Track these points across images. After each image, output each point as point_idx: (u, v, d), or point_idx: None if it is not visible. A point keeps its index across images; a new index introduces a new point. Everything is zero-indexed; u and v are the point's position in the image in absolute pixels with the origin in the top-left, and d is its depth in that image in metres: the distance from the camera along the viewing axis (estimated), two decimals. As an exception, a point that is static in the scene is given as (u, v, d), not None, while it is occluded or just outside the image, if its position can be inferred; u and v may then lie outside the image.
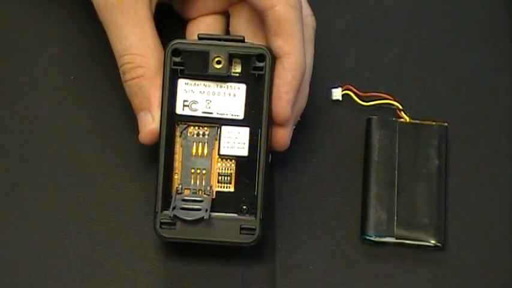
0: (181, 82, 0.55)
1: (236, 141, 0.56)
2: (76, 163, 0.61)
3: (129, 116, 0.58)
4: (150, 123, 0.56)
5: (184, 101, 0.55)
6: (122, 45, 0.56)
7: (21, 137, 0.61)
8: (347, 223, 0.60)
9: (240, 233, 0.55)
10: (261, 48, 0.55)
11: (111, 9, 0.56)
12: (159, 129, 0.55)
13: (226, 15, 0.61)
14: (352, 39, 0.65)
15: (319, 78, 0.61)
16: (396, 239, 0.58)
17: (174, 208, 0.55)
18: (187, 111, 0.56)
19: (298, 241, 0.59)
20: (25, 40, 0.64)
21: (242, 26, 0.59)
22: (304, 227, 0.60)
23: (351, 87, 0.62)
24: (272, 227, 0.59)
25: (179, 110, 0.55)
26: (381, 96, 0.62)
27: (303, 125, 0.61)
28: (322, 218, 0.60)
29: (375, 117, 0.61)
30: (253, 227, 0.55)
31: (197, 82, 0.55)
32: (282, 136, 0.57)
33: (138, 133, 0.57)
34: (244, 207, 0.56)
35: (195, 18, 0.61)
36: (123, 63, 0.57)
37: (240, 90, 0.55)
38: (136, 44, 0.56)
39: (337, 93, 0.62)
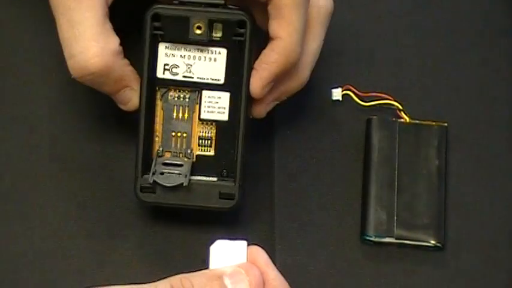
0: (161, 46, 0.55)
1: (216, 106, 0.56)
2: (76, 163, 0.61)
3: (129, 116, 0.58)
4: (133, 96, 0.56)
5: (165, 64, 0.55)
6: (74, 31, 0.53)
7: (21, 137, 0.61)
8: (347, 223, 0.60)
9: (220, 198, 0.55)
10: (242, 15, 0.54)
11: None
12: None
13: None
14: (352, 39, 0.65)
15: (319, 78, 0.62)
16: (396, 239, 0.58)
17: (153, 173, 0.55)
18: (167, 75, 0.55)
19: (298, 241, 0.59)
20: (25, 40, 0.64)
21: None
22: (304, 227, 0.60)
23: (351, 87, 0.62)
24: (272, 227, 0.59)
25: (160, 73, 0.55)
26: (381, 96, 0.62)
27: (303, 125, 0.61)
28: (322, 218, 0.60)
29: (375, 117, 0.61)
30: (232, 192, 0.55)
31: (178, 46, 0.55)
32: (257, 108, 0.57)
33: (118, 105, 0.57)
34: (224, 171, 0.56)
35: None
36: (75, 53, 0.54)
37: (220, 55, 0.55)
38: (90, 30, 0.53)
39: (337, 93, 0.62)
